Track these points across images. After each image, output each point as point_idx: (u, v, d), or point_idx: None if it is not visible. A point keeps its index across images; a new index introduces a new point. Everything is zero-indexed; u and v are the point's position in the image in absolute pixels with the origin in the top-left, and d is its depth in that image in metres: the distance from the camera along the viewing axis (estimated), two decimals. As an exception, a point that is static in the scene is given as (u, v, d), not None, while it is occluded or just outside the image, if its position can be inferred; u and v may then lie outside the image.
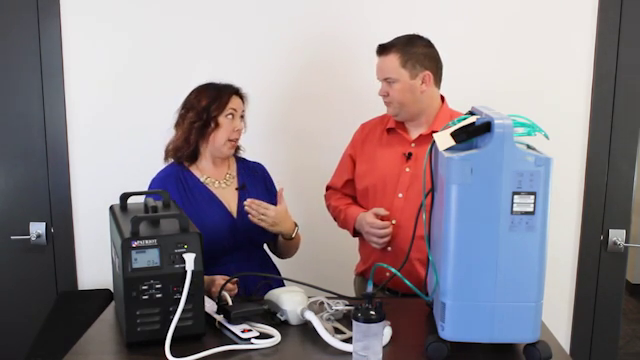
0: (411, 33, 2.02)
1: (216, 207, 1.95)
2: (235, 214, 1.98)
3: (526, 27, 2.48)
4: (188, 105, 1.99)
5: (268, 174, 2.15)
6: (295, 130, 2.59)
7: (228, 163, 2.07)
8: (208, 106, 1.95)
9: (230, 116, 1.97)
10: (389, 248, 2.02)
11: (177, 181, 1.96)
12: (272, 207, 1.92)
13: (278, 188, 2.04)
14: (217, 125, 1.96)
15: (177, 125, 2.01)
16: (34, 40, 2.51)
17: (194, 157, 2.00)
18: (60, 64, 2.53)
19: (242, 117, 2.03)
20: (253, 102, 2.52)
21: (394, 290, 2.05)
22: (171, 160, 2.02)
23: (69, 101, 2.55)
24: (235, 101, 2.00)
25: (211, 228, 1.86)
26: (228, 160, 2.07)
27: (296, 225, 2.03)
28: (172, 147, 2.00)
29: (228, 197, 2.00)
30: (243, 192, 2.02)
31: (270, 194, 2.10)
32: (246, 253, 1.99)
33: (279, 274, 2.06)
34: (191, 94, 2.01)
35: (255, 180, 2.09)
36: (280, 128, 2.59)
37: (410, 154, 2.02)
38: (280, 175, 2.50)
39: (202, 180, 1.99)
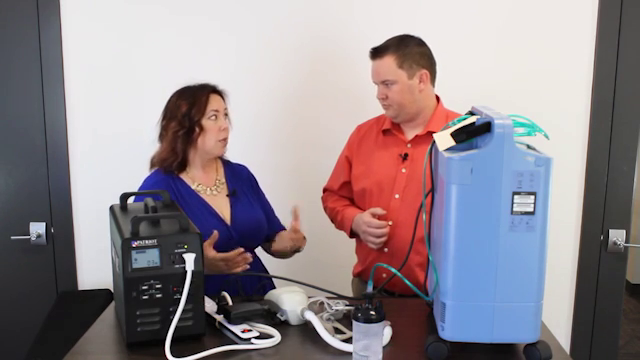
0: (401, 34, 2.02)
1: (210, 215, 1.94)
2: (229, 221, 1.96)
3: (526, 27, 2.49)
4: (168, 115, 1.95)
5: (252, 174, 2.15)
6: (293, 131, 2.59)
7: (216, 167, 2.05)
8: (188, 111, 1.92)
9: (213, 117, 1.94)
10: (386, 249, 2.02)
11: (168, 188, 1.91)
12: (298, 228, 1.98)
13: (294, 205, 2.00)
14: (202, 129, 1.93)
15: (161, 137, 1.98)
16: (34, 40, 2.51)
17: (183, 166, 1.97)
18: (60, 64, 2.53)
19: (226, 115, 2.00)
20: (252, 104, 2.54)
21: (390, 291, 2.04)
22: (156, 167, 1.99)
23: (69, 101, 2.56)
24: (215, 101, 1.96)
25: (206, 237, 1.84)
26: (216, 164, 2.05)
27: (304, 238, 2.04)
28: (158, 159, 1.97)
29: (220, 204, 1.98)
30: (234, 198, 2.01)
31: (257, 193, 2.12)
32: None
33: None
34: (169, 102, 1.97)
35: (243, 184, 2.08)
36: (278, 129, 2.59)
37: (406, 155, 2.02)
38: (278, 176, 2.51)
39: (194, 188, 1.96)
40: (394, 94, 1.98)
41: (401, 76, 1.97)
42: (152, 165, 2.00)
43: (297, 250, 2.05)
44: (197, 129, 1.92)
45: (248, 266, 1.86)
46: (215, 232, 1.81)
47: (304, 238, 2.04)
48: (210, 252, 1.79)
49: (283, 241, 2.05)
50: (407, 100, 1.99)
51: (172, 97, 1.98)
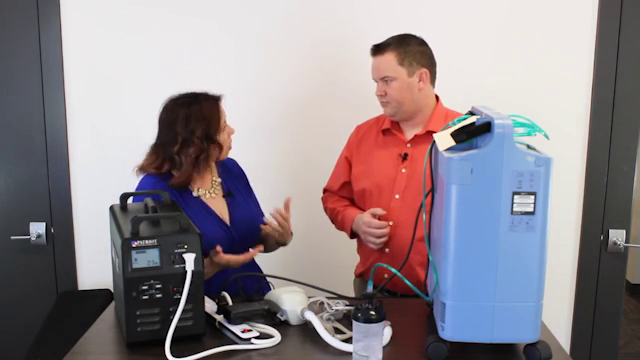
0: (403, 33, 2.03)
1: (211, 219, 1.93)
2: (228, 222, 1.96)
3: (526, 27, 2.49)
4: (180, 138, 1.86)
5: (241, 168, 2.14)
6: (294, 131, 2.59)
7: (210, 168, 2.02)
8: (206, 132, 1.87)
9: (224, 126, 1.93)
10: (387, 249, 2.02)
11: (168, 191, 1.87)
12: (288, 217, 1.94)
13: (285, 198, 1.98)
14: (220, 145, 1.91)
15: (172, 162, 1.89)
16: (34, 40, 2.51)
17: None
18: (60, 64, 2.53)
19: None
20: (252, 104, 2.54)
21: (392, 291, 2.05)
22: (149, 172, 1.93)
23: (69, 101, 2.56)
24: (222, 110, 1.94)
25: (210, 240, 1.82)
26: (210, 164, 2.02)
27: (291, 233, 2.03)
28: (176, 180, 1.89)
29: (219, 206, 1.97)
30: (231, 198, 2.01)
31: (248, 188, 2.11)
32: None
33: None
34: (176, 122, 1.86)
35: (235, 180, 2.08)
36: (279, 130, 2.59)
37: (406, 155, 2.02)
38: (279, 176, 2.51)
39: (195, 194, 1.94)
40: (393, 91, 1.98)
41: (401, 73, 1.97)
42: (141, 170, 1.94)
43: (283, 243, 2.04)
44: (217, 147, 1.90)
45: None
46: (218, 247, 1.81)
47: (291, 233, 2.02)
48: (227, 257, 1.81)
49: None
50: (406, 98, 1.99)
51: (176, 114, 1.87)
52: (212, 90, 1.96)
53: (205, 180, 1.99)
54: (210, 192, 1.98)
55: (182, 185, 1.91)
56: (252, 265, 2.06)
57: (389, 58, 1.97)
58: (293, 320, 1.62)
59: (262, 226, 1.96)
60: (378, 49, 2.00)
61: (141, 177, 1.94)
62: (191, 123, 1.86)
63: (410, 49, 1.98)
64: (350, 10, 2.50)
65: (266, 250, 2.11)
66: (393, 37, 2.01)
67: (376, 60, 2.01)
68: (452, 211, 1.36)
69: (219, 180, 2.03)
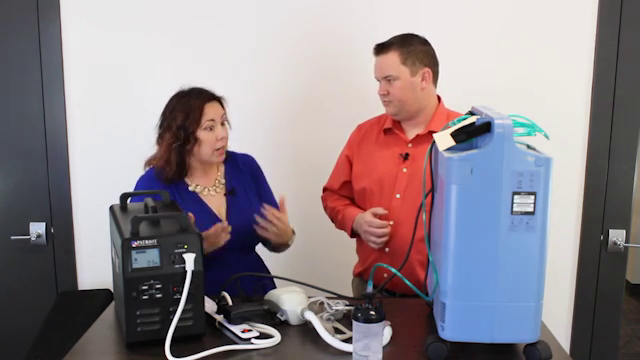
0: (406, 32, 2.03)
1: (206, 215, 1.93)
2: (224, 220, 1.95)
3: (526, 27, 2.49)
4: (165, 123, 1.92)
5: (257, 164, 2.12)
6: (294, 130, 2.59)
7: (217, 166, 2.03)
8: (183, 123, 1.88)
9: (209, 127, 1.90)
10: (387, 249, 2.02)
11: (165, 186, 1.90)
12: (282, 217, 1.91)
13: (279, 196, 1.98)
14: (197, 140, 1.90)
15: (158, 144, 1.95)
16: (34, 40, 2.51)
17: (179, 175, 1.94)
18: (60, 64, 2.53)
19: (224, 122, 1.96)
20: (253, 101, 2.54)
21: (392, 291, 2.05)
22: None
23: (69, 101, 2.56)
24: (211, 109, 1.92)
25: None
26: (216, 163, 2.03)
27: (293, 232, 2.02)
28: (156, 168, 1.93)
29: (217, 203, 1.97)
30: (232, 197, 2.01)
31: (257, 184, 2.09)
32: (238, 257, 1.98)
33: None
34: (166, 110, 1.94)
35: (243, 179, 2.06)
36: (279, 128, 2.59)
37: (407, 154, 2.03)
38: (278, 175, 2.50)
39: (191, 189, 1.96)
40: (396, 90, 1.99)
41: (404, 72, 1.97)
42: (147, 166, 1.99)
43: (285, 244, 2.03)
44: (192, 140, 1.90)
45: (229, 235, 1.85)
46: None
47: (293, 232, 2.02)
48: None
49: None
50: (408, 97, 1.99)
51: (170, 103, 1.95)
52: (217, 88, 1.98)
53: (208, 178, 2.00)
54: (210, 189, 1.98)
55: (172, 176, 1.92)
56: (258, 265, 2.06)
57: (392, 57, 1.98)
58: (293, 320, 1.62)
59: (259, 231, 1.93)
60: (381, 48, 2.00)
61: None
62: (174, 112, 1.92)
63: (413, 48, 1.98)
64: (350, 8, 2.50)
65: (273, 249, 2.09)
66: (396, 36, 2.01)
67: (379, 59, 2.02)
68: (452, 211, 1.36)
69: (224, 180, 2.03)
